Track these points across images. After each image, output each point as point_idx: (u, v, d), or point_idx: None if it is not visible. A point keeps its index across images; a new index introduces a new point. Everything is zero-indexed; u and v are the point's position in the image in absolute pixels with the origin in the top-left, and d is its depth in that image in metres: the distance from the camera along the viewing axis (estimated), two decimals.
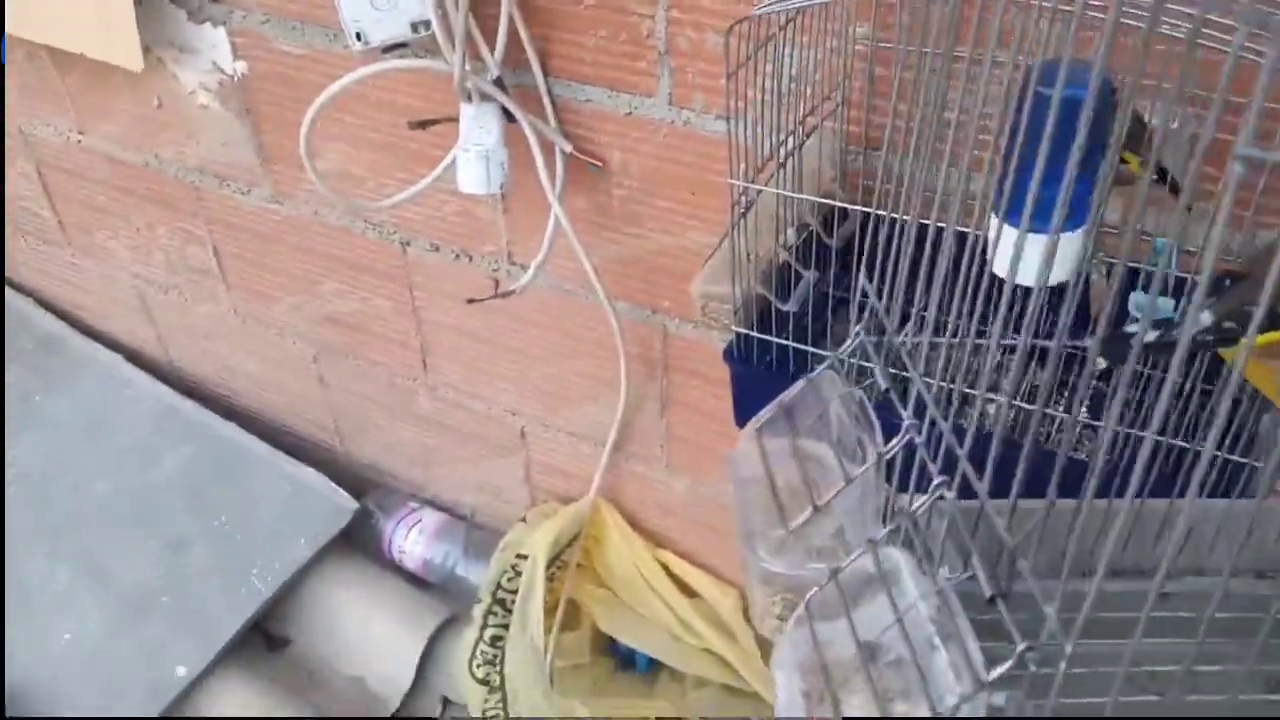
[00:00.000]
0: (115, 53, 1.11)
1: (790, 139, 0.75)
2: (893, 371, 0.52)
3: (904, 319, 0.53)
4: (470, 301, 1.06)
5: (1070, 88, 0.47)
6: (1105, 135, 0.52)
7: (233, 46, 1.13)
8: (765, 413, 0.49)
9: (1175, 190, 0.64)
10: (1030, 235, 0.51)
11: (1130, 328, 0.50)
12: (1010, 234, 0.53)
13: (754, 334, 0.75)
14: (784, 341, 0.74)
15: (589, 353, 1.14)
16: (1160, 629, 0.50)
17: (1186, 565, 0.54)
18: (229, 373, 1.52)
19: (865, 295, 0.49)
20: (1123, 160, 0.62)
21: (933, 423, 0.45)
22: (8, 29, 1.22)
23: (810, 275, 0.78)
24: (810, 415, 0.48)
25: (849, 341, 0.52)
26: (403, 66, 0.91)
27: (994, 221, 0.55)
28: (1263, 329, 0.45)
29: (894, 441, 0.45)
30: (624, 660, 1.32)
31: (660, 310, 1.06)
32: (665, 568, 1.26)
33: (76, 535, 1.40)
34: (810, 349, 0.74)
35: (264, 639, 1.36)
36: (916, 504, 0.43)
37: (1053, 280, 0.53)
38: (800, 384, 0.51)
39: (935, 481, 0.42)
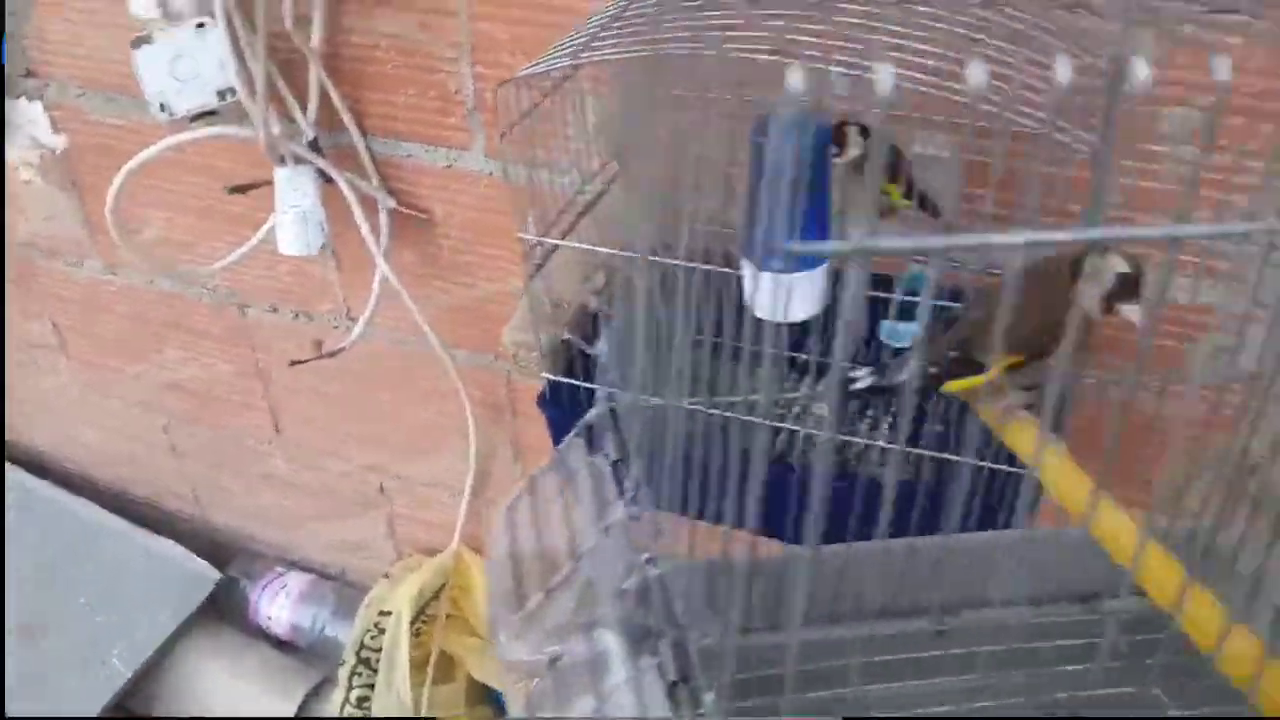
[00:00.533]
0: None
1: (588, 188, 0.77)
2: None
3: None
4: (294, 364, 1.05)
5: (789, 136, 0.50)
6: (825, 178, 0.55)
7: (51, 120, 1.11)
8: (516, 489, 0.50)
9: (937, 214, 0.68)
10: (776, 275, 0.53)
11: (857, 373, 0.53)
12: (754, 273, 0.56)
13: (563, 380, 0.77)
14: (595, 386, 0.76)
15: (435, 403, 1.14)
16: (938, 668, 0.52)
17: (962, 600, 0.56)
18: (78, 447, 1.48)
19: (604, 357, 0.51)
20: (883, 191, 0.66)
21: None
22: None
23: (616, 319, 0.79)
24: (558, 486, 0.50)
25: (592, 410, 0.54)
26: (206, 135, 0.91)
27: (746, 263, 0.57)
28: (957, 374, 0.48)
29: (610, 518, 0.46)
30: (502, 708, 1.32)
31: (502, 357, 1.07)
32: None
33: None
34: (620, 391, 0.76)
35: None
36: (626, 582, 0.44)
37: (797, 316, 0.55)
38: (551, 457, 0.53)
39: (644, 557, 0.44)
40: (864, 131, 0.63)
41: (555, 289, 0.81)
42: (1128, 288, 0.45)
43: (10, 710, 1.26)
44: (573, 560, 0.45)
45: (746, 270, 0.59)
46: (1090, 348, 0.49)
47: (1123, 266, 0.46)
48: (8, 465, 1.48)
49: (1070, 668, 0.46)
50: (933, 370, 0.49)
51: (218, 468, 1.38)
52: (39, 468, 1.49)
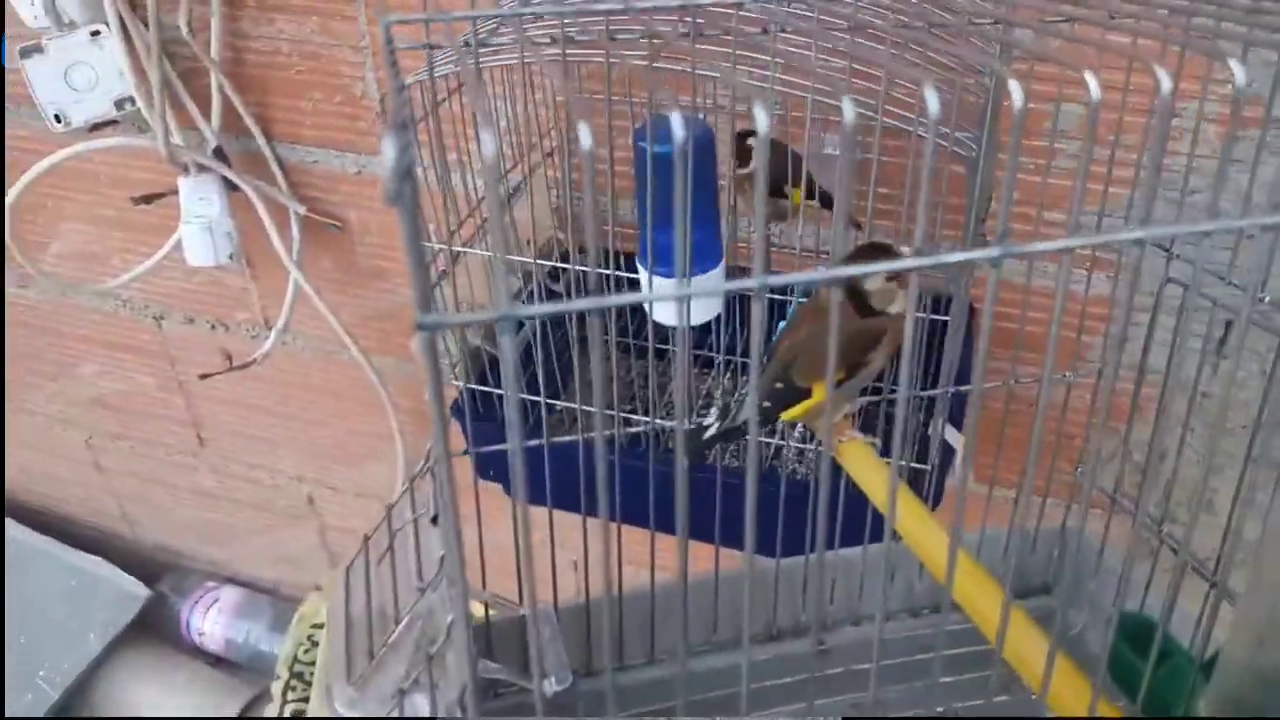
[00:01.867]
0: None
1: (500, 186, 0.75)
2: None
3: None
4: (203, 377, 1.03)
5: (664, 143, 0.49)
6: (709, 183, 0.54)
7: None
8: (357, 549, 0.49)
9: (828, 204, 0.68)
10: (660, 279, 0.53)
11: (707, 420, 0.52)
12: (648, 278, 0.55)
13: (477, 388, 0.75)
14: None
15: (359, 411, 1.12)
16: (826, 688, 0.52)
17: (842, 615, 0.56)
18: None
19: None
20: (782, 195, 0.65)
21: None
22: None
23: (529, 326, 0.78)
24: (387, 545, 0.49)
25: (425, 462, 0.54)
26: (105, 145, 0.88)
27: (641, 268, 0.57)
28: (788, 403, 0.48)
29: (431, 579, 0.46)
30: None
31: (417, 364, 1.05)
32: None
33: None
34: (537, 398, 0.74)
35: None
36: (436, 646, 0.44)
37: (697, 319, 0.55)
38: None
39: (449, 619, 0.44)
40: (747, 134, 0.62)
41: (469, 293, 0.80)
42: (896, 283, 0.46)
43: None
44: (396, 623, 0.44)
45: (642, 274, 0.58)
46: (894, 345, 0.49)
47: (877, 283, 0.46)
48: None
49: (961, 677, 0.46)
50: (766, 404, 0.49)
51: (144, 482, 1.34)
52: None
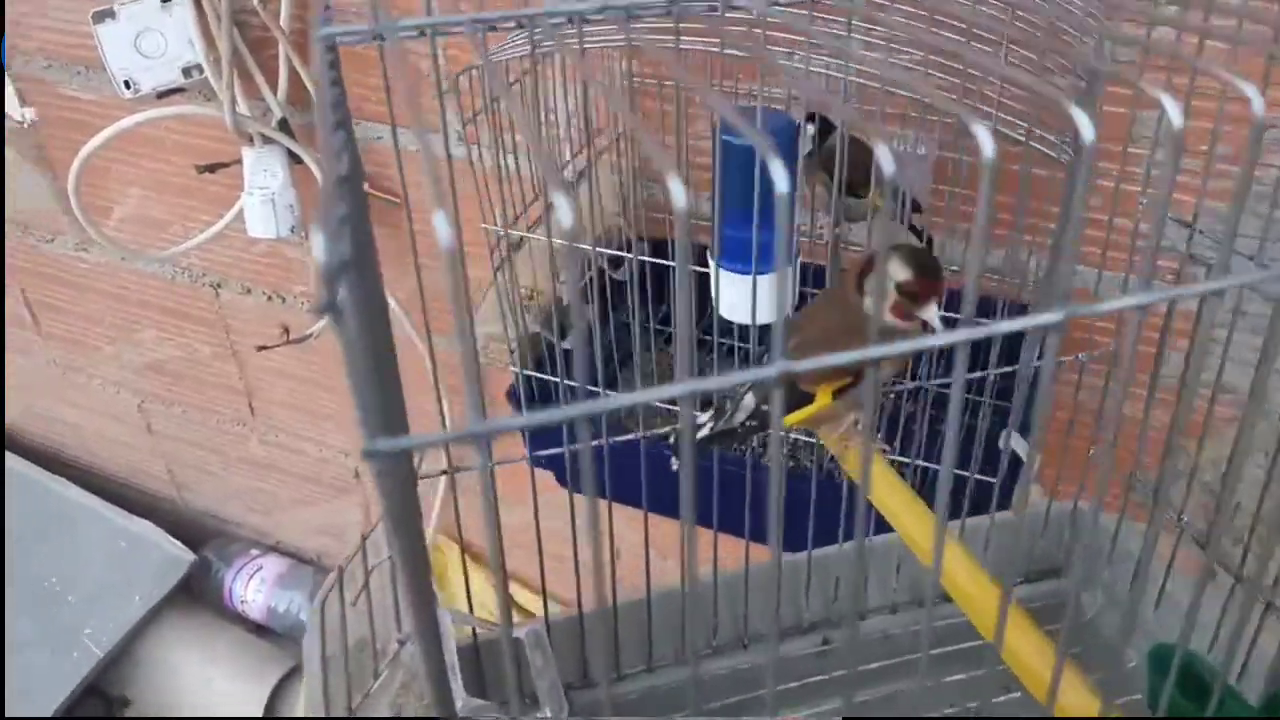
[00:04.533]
0: None
1: (565, 174, 0.74)
2: None
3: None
4: (260, 349, 1.03)
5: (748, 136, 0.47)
6: (792, 179, 0.53)
7: (19, 93, 1.08)
8: (328, 581, 0.48)
9: (918, 209, 0.66)
10: (735, 276, 0.51)
11: (701, 418, 0.50)
12: (722, 275, 0.54)
13: (534, 374, 0.75)
14: (567, 382, 0.74)
15: (409, 388, 1.12)
16: (825, 691, 0.50)
17: (846, 611, 0.55)
18: (54, 425, 1.46)
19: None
20: (858, 195, 0.63)
21: None
22: None
23: (588, 312, 0.77)
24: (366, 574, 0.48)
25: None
26: (170, 114, 0.88)
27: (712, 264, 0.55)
28: (790, 407, 0.45)
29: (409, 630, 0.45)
30: None
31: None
32: (515, 602, 1.25)
33: None
34: (594, 388, 0.74)
35: (102, 701, 1.30)
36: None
37: (764, 319, 0.53)
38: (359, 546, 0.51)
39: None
40: (823, 126, 0.61)
41: (528, 279, 0.79)
42: (914, 292, 0.43)
43: None
44: (387, 658, 0.43)
45: (712, 268, 0.57)
46: (903, 360, 0.47)
47: (902, 273, 0.43)
48: None
49: (963, 675, 0.44)
50: (765, 407, 0.47)
51: (194, 449, 1.36)
52: (12, 443, 1.47)
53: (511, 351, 0.75)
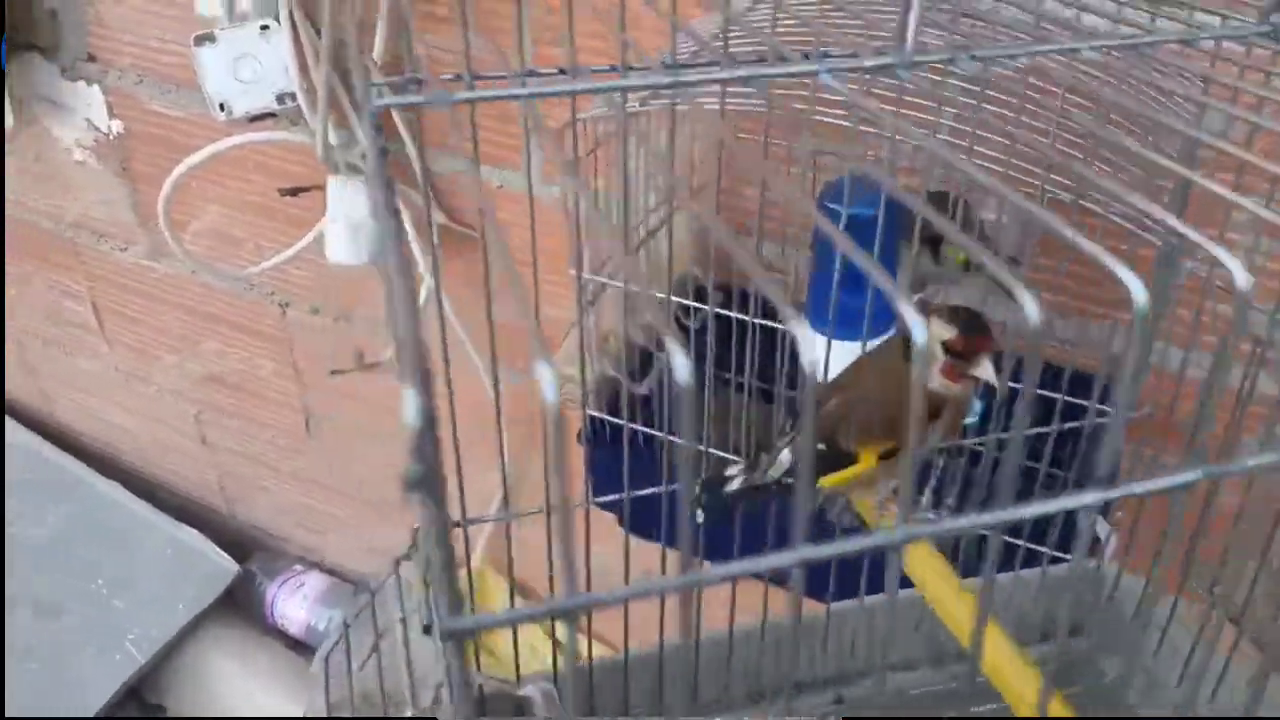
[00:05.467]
0: None
1: (643, 226, 0.75)
2: None
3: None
4: (334, 373, 1.04)
5: (858, 205, 0.48)
6: (896, 249, 0.53)
7: (108, 105, 1.11)
8: (330, 638, 0.48)
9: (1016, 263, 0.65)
10: (834, 342, 0.51)
11: (729, 471, 0.50)
12: (816, 340, 0.54)
13: (605, 417, 0.75)
14: (637, 426, 0.74)
15: (470, 417, 1.12)
16: None
17: (865, 667, 0.54)
18: (112, 430, 1.48)
19: None
20: (936, 256, 0.63)
21: None
22: None
23: (663, 357, 0.78)
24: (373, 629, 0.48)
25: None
26: (263, 139, 0.90)
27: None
28: (827, 468, 0.45)
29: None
30: None
31: None
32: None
33: None
34: (661, 434, 0.74)
35: (139, 706, 1.32)
36: None
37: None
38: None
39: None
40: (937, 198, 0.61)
41: (603, 322, 0.79)
42: (963, 351, 0.42)
43: (25, 682, 1.26)
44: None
45: (800, 327, 0.57)
46: (954, 423, 0.46)
47: (945, 333, 0.42)
48: (39, 439, 1.48)
49: None
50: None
51: (247, 462, 1.37)
52: (69, 445, 1.49)
53: (587, 395, 0.76)
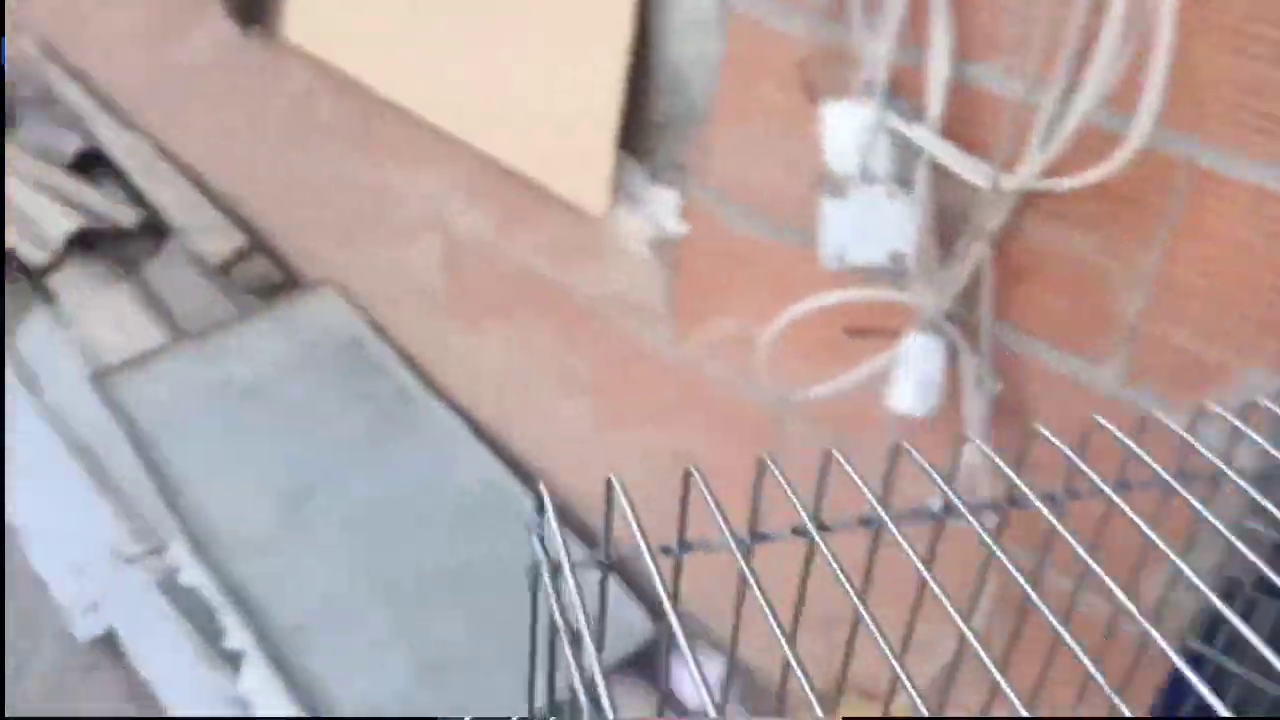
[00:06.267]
0: (583, 196, 1.24)
1: None
2: None
3: None
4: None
5: None
6: None
7: (680, 210, 1.23)
8: None
9: None
10: None
11: None
12: None
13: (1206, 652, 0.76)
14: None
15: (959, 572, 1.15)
16: None
17: None
18: (585, 479, 1.60)
19: None
20: None
21: None
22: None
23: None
24: None
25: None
26: (869, 298, 0.97)
27: None
28: None
29: None
30: None
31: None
32: None
33: (400, 590, 1.52)
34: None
35: None
36: None
37: None
38: None
39: None
40: None
41: None
42: None
43: (456, 683, 1.40)
44: None
45: None
46: None
47: None
48: (493, 459, 1.64)
49: None
50: None
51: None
52: (518, 470, 1.64)
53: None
